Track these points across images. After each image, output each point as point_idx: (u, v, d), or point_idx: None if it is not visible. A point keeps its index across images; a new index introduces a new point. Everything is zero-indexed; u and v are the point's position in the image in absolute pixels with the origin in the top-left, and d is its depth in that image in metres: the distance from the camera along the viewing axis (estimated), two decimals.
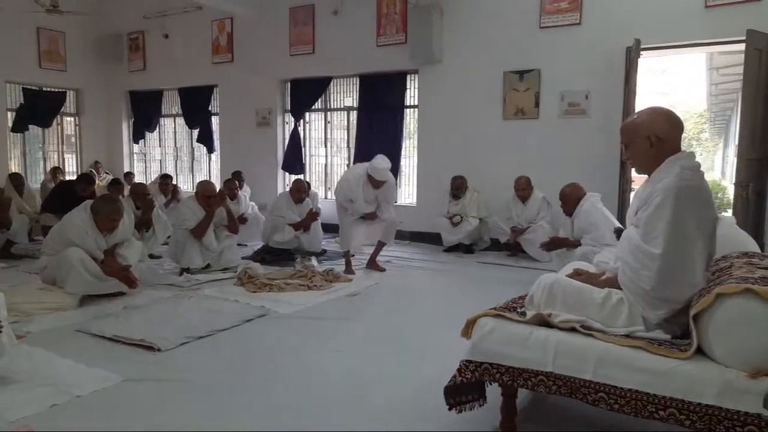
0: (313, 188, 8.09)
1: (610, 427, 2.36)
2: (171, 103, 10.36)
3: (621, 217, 5.35)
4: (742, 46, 5.36)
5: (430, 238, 7.08)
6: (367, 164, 5.39)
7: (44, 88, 9.92)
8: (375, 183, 5.34)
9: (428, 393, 2.53)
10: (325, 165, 8.87)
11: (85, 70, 10.34)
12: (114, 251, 4.38)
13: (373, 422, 2.41)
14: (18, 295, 3.94)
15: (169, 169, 10.36)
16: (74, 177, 7.27)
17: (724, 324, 1.80)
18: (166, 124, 10.62)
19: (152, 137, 10.82)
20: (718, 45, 6.13)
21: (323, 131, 8.79)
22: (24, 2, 7.93)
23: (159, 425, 2.35)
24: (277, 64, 8.64)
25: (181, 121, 10.24)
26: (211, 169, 10.15)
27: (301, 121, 8.78)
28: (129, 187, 6.88)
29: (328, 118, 8.73)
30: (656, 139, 2.12)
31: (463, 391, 2.20)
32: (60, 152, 10.63)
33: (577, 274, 2.40)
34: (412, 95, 7.78)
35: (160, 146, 10.79)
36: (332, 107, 8.67)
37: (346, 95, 8.51)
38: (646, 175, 2.20)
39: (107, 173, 10.21)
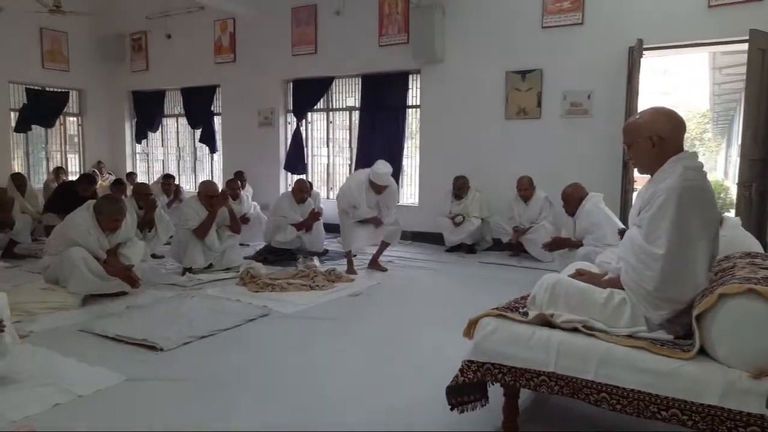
0: (315, 188, 8.09)
1: (612, 427, 2.36)
2: (173, 103, 10.38)
3: (623, 218, 5.34)
4: (745, 46, 5.34)
5: (432, 238, 7.08)
6: (369, 170, 5.40)
7: (47, 88, 9.94)
8: (377, 188, 5.35)
9: (430, 393, 2.53)
10: (328, 165, 8.87)
11: (87, 70, 10.35)
12: (116, 251, 4.39)
13: (375, 422, 2.41)
14: (21, 294, 3.95)
15: (172, 169, 10.37)
16: (77, 177, 7.28)
17: (726, 324, 1.80)
18: (169, 124, 10.64)
19: (155, 137, 10.84)
20: (720, 45, 6.12)
21: (325, 131, 8.79)
22: (27, 2, 7.94)
23: (161, 425, 2.36)
24: (279, 64, 8.65)
25: (183, 121, 10.25)
26: (213, 169, 10.16)
27: (304, 121, 8.78)
28: (132, 187, 6.90)
29: (331, 118, 8.74)
30: (658, 139, 2.12)
31: (465, 391, 2.20)
32: (63, 152, 10.66)
33: (579, 275, 2.40)
34: (414, 95, 7.78)
35: (162, 146, 10.81)
36: (334, 107, 8.67)
37: (348, 95, 8.51)
38: (649, 176, 2.20)
39: (110, 173, 10.23)
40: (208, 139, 9.75)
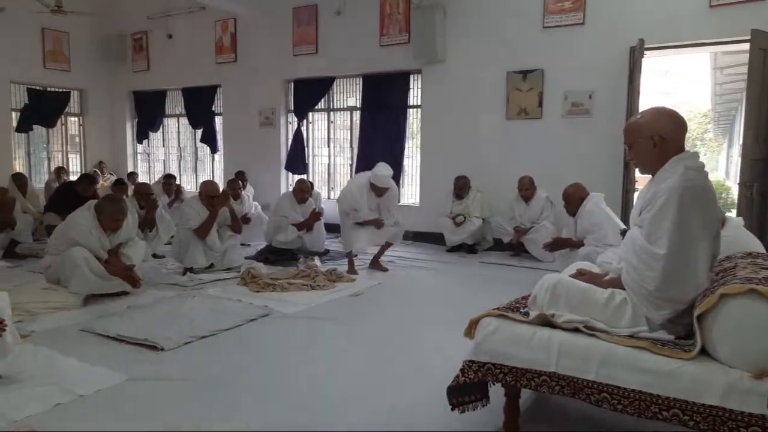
0: (316, 188, 8.10)
1: (613, 427, 2.35)
2: (174, 103, 10.38)
3: (625, 218, 5.34)
4: (746, 46, 5.33)
5: (433, 238, 7.08)
6: (369, 173, 5.41)
7: (48, 89, 9.95)
8: (378, 191, 5.36)
9: (431, 393, 2.53)
10: (329, 165, 8.87)
11: (89, 71, 10.36)
12: (118, 251, 4.40)
13: (376, 422, 2.41)
14: (22, 294, 3.95)
15: (173, 169, 10.37)
16: (77, 177, 7.30)
17: (728, 324, 1.80)
18: (170, 124, 10.64)
19: (156, 137, 10.84)
20: (722, 45, 6.11)
21: (326, 131, 8.79)
22: (28, 2, 7.95)
23: (162, 425, 2.36)
24: (280, 64, 8.65)
25: (184, 121, 10.25)
26: (214, 169, 10.16)
27: (305, 121, 8.79)
28: (133, 186, 6.91)
29: (331, 118, 8.74)
30: (660, 139, 2.12)
31: (466, 391, 2.20)
32: (64, 152, 10.67)
33: (580, 275, 2.40)
34: (415, 95, 7.78)
35: (163, 146, 10.82)
36: (335, 107, 8.67)
37: (349, 95, 8.52)
38: (650, 176, 2.20)
39: (111, 174, 10.23)
40: (209, 139, 9.75)
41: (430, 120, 7.54)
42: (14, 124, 9.60)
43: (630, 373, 1.88)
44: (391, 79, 7.79)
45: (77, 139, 10.81)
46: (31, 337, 3.37)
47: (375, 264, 5.72)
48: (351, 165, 8.47)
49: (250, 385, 2.80)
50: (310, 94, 8.60)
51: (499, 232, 6.61)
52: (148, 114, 10.59)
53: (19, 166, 9.66)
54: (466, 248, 6.74)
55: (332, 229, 6.86)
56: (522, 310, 2.29)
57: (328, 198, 8.65)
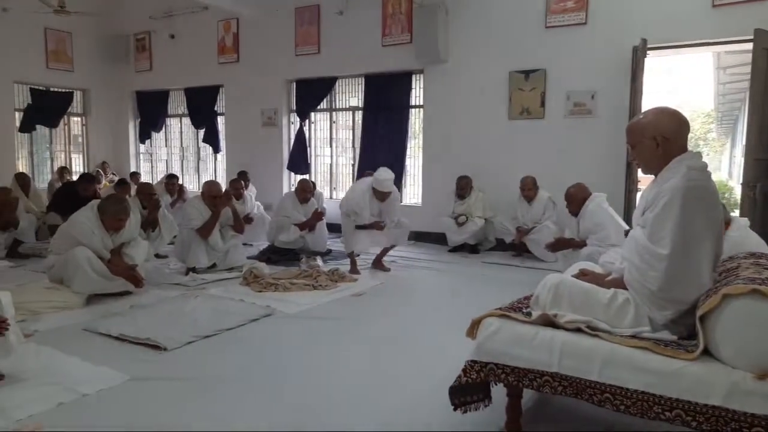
0: (318, 188, 8.10)
1: (615, 427, 2.35)
2: (177, 103, 10.40)
3: (627, 218, 5.33)
4: (749, 46, 5.32)
5: (435, 238, 7.08)
6: (371, 178, 5.43)
7: (51, 89, 9.98)
8: (380, 195, 5.37)
9: (433, 393, 2.53)
10: (331, 165, 8.88)
11: (92, 71, 10.39)
12: (120, 251, 4.40)
13: (378, 422, 2.41)
14: (25, 293, 3.96)
15: (175, 169, 10.40)
16: (77, 177, 7.32)
17: (731, 325, 1.79)
18: (172, 124, 10.66)
19: (158, 137, 10.87)
20: (725, 44, 6.09)
21: (328, 131, 8.80)
22: (31, 3, 7.97)
23: (165, 424, 2.36)
24: (282, 64, 8.66)
25: (187, 121, 10.27)
26: (216, 169, 10.17)
27: (307, 121, 8.79)
28: (135, 186, 6.92)
29: (334, 118, 8.74)
30: (662, 139, 2.11)
31: (469, 391, 2.20)
32: (67, 152, 10.69)
33: (582, 275, 2.40)
34: (417, 95, 7.78)
35: (166, 146, 10.84)
36: (337, 107, 8.68)
37: (351, 95, 8.52)
38: (653, 176, 2.19)
39: (114, 174, 10.25)
40: (212, 139, 9.76)
41: (432, 120, 7.53)
42: (17, 123, 9.63)
43: (633, 374, 1.88)
44: (394, 79, 7.79)
45: (80, 139, 10.84)
46: (34, 337, 3.37)
47: (377, 264, 5.72)
48: (353, 165, 8.48)
49: (253, 385, 2.80)
50: (312, 94, 8.61)
51: (501, 232, 6.60)
52: (151, 114, 10.61)
53: (22, 166, 9.69)
54: (468, 248, 6.74)
55: (334, 229, 6.86)
56: (524, 311, 2.29)
57: (331, 198, 8.66)
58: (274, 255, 6.03)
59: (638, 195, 5.66)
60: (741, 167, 5.97)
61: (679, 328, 2.02)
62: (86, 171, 9.93)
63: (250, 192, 7.69)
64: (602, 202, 4.67)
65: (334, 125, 8.75)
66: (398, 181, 7.60)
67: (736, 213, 5.62)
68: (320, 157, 8.96)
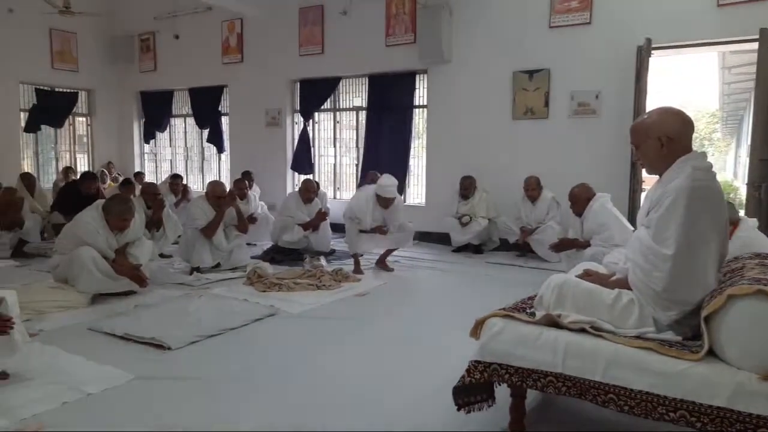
0: (322, 188, 8.10)
1: (619, 428, 2.34)
2: (181, 104, 10.43)
3: (632, 218, 5.31)
4: (755, 45, 5.31)
5: (439, 238, 7.08)
6: (375, 186, 5.47)
7: (56, 89, 10.03)
8: (384, 202, 5.38)
9: (437, 393, 2.53)
10: (334, 165, 8.88)
11: (96, 71, 10.43)
12: (125, 250, 4.42)
13: (381, 422, 2.41)
14: (31, 293, 3.98)
15: (180, 169, 10.43)
16: (79, 176, 7.35)
17: (736, 325, 1.79)
18: (177, 124, 10.69)
19: (163, 137, 10.90)
20: (730, 44, 6.07)
21: (332, 131, 8.81)
22: (37, 3, 8.01)
23: (169, 423, 2.37)
24: (286, 65, 8.67)
25: (191, 121, 10.30)
26: (221, 168, 10.20)
27: (311, 121, 8.80)
28: (140, 186, 6.94)
29: (337, 118, 8.75)
30: (667, 139, 2.11)
31: (472, 391, 2.20)
32: (72, 152, 10.73)
33: (587, 275, 2.39)
34: (421, 95, 7.78)
35: (170, 146, 10.87)
36: (341, 107, 8.68)
37: (355, 95, 8.53)
38: (657, 176, 2.19)
39: (119, 174, 10.27)
40: (216, 139, 9.79)
41: (436, 120, 7.53)
42: (23, 124, 9.68)
43: (637, 374, 1.88)
44: (397, 79, 7.79)
45: (85, 139, 10.88)
46: (39, 336, 3.39)
47: (381, 264, 5.72)
48: (357, 165, 8.48)
49: (256, 384, 2.80)
50: (316, 94, 8.62)
51: (505, 232, 6.60)
52: (155, 114, 10.64)
53: (27, 166, 9.73)
54: (472, 248, 6.73)
55: (338, 229, 6.85)
56: (528, 311, 2.29)
57: (334, 198, 8.67)
58: (278, 255, 6.03)
59: (643, 195, 5.65)
60: (746, 167, 5.94)
61: (683, 329, 2.01)
62: (92, 171, 9.96)
63: (254, 192, 7.70)
64: (606, 202, 4.66)
65: (337, 125, 8.76)
66: (402, 182, 7.61)
67: (740, 213, 5.60)
68: (324, 157, 8.97)
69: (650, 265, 2.02)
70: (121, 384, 2.73)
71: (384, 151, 7.95)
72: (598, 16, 6.31)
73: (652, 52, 5.84)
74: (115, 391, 2.66)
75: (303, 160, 8.78)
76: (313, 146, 8.85)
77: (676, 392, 1.81)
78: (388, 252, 5.77)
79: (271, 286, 4.71)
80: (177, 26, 9.73)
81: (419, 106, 7.83)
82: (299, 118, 8.92)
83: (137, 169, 10.70)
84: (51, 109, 9.85)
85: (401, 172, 7.75)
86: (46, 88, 9.85)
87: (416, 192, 8.10)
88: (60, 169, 9.87)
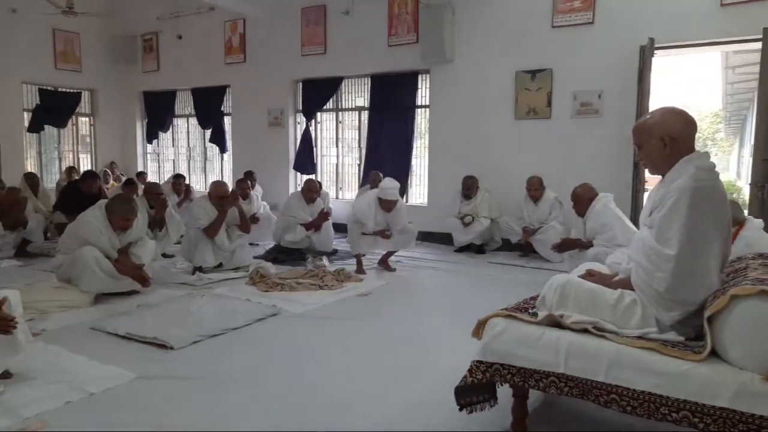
0: (324, 188, 8.11)
1: (621, 428, 2.34)
2: (184, 104, 10.45)
3: (634, 219, 5.30)
4: (758, 45, 5.29)
5: (441, 238, 7.07)
6: (377, 190, 5.48)
7: (60, 89, 10.05)
8: (386, 205, 5.38)
9: (439, 393, 2.53)
10: (337, 165, 8.88)
11: (99, 71, 10.45)
12: (128, 250, 4.43)
13: (383, 422, 2.41)
14: (34, 293, 3.99)
15: (182, 169, 10.44)
16: (80, 175, 7.37)
17: (738, 326, 1.78)
18: (179, 124, 10.71)
19: (165, 137, 10.92)
20: (733, 44, 6.06)
21: (335, 131, 8.81)
22: (40, 4, 8.03)
23: (171, 423, 2.37)
24: (288, 65, 8.68)
25: (194, 121, 10.32)
26: (223, 168, 10.21)
27: (313, 121, 8.81)
28: (142, 186, 6.95)
29: (340, 118, 8.75)
30: (670, 139, 2.10)
31: (474, 391, 2.20)
32: (75, 152, 10.76)
33: (589, 275, 2.39)
34: (423, 95, 7.78)
35: (173, 146, 10.89)
36: (344, 107, 8.68)
37: (357, 95, 8.53)
38: (660, 176, 2.18)
39: (122, 174, 10.30)
40: (218, 139, 9.80)
41: (438, 120, 7.53)
42: (26, 124, 9.70)
43: (639, 375, 1.87)
44: (400, 79, 7.79)
45: (88, 139, 10.91)
46: (42, 336, 3.39)
47: (383, 264, 5.73)
48: (359, 165, 8.48)
49: (259, 384, 2.81)
50: (318, 94, 8.62)
51: (507, 232, 6.59)
52: (158, 114, 10.66)
53: (30, 166, 9.76)
54: (475, 248, 6.73)
55: (340, 229, 6.86)
56: (530, 311, 2.28)
57: (337, 198, 8.67)
58: (281, 255, 6.04)
59: (645, 195, 5.64)
60: (749, 167, 5.92)
61: (686, 329, 2.01)
62: (95, 171, 9.98)
63: (257, 192, 7.71)
64: (609, 202, 4.65)
65: (340, 125, 8.76)
66: (404, 182, 7.61)
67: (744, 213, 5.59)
68: (326, 157, 8.97)
69: (653, 265, 2.01)
70: (123, 384, 2.73)
71: (386, 151, 7.95)
72: (601, 15, 6.30)
73: (655, 52, 5.83)
74: (117, 390, 2.67)
75: (305, 160, 8.79)
76: (316, 146, 8.86)
77: (678, 393, 1.80)
78: (391, 252, 5.77)
79: (274, 286, 4.71)
80: (180, 26, 9.75)
81: (421, 106, 7.83)
82: (302, 118, 8.92)
83: (140, 169, 10.72)
84: (54, 109, 9.88)
85: (403, 172, 7.75)
86: (49, 88, 9.87)
87: (419, 192, 8.09)
88: (63, 169, 9.90)
